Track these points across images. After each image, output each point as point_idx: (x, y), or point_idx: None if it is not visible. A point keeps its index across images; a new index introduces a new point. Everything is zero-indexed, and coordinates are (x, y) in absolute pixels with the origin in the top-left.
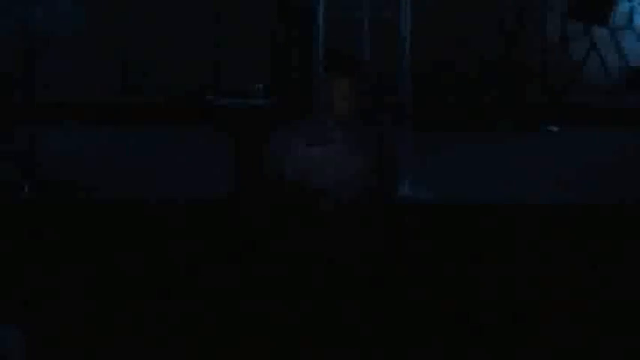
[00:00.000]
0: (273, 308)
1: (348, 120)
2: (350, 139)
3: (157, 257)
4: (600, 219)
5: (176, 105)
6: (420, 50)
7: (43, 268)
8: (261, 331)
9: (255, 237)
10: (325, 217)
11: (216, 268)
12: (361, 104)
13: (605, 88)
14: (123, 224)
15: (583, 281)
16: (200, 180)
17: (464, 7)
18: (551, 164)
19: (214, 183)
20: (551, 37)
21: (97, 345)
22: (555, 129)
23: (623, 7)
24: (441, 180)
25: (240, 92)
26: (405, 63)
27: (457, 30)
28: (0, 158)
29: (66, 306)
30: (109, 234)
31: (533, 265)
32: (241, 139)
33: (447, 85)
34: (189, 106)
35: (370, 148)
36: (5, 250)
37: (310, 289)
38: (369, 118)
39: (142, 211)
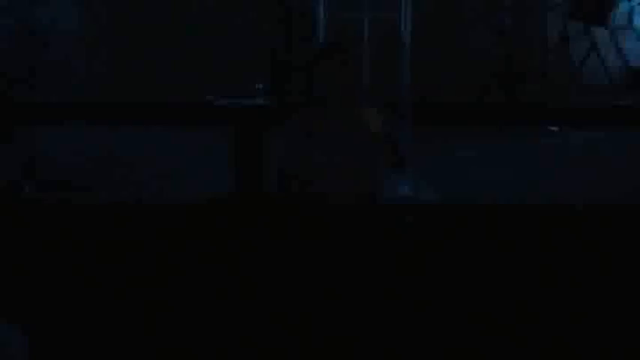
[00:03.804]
0: (273, 308)
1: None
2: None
3: (156, 257)
4: (600, 219)
5: (176, 105)
6: (420, 50)
7: (43, 268)
8: (260, 332)
9: (255, 237)
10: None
11: (215, 268)
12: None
13: (605, 88)
14: (123, 224)
15: (583, 281)
16: (200, 180)
17: (464, 8)
18: (552, 164)
19: (214, 183)
20: (551, 37)
21: (97, 345)
22: (555, 129)
23: (623, 7)
24: (442, 180)
25: (240, 92)
26: (404, 62)
27: (457, 30)
28: (0, 158)
29: (66, 306)
30: (109, 234)
31: (532, 265)
32: (241, 139)
33: (447, 85)
34: (189, 106)
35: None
36: (5, 250)
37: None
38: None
39: (142, 211)
